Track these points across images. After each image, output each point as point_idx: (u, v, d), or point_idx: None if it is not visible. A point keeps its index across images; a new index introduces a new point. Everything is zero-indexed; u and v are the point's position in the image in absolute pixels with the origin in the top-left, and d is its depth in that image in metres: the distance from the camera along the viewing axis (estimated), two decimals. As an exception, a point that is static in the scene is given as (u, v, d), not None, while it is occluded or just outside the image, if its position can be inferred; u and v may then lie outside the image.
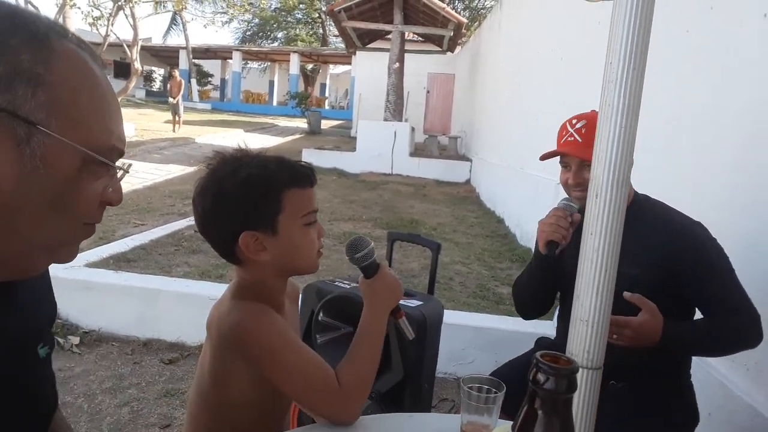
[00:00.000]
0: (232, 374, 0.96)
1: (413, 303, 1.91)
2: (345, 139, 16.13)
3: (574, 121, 1.54)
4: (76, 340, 2.94)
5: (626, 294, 1.26)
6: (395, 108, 12.40)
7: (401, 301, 1.89)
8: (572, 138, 1.51)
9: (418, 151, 12.55)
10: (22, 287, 0.75)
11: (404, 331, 1.16)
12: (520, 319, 1.89)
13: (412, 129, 11.75)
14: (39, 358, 0.78)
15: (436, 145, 12.86)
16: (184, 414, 2.40)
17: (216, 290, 2.98)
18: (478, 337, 3.03)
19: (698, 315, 1.44)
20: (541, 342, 1.82)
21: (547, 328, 2.80)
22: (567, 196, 1.55)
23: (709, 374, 1.95)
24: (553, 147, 1.56)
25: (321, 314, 1.90)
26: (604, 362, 1.00)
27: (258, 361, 0.93)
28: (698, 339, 1.36)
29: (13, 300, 0.72)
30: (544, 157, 1.59)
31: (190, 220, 5.41)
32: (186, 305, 3.02)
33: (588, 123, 1.48)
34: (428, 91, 18.51)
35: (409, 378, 1.83)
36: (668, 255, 1.38)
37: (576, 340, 0.99)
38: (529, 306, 1.75)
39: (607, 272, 0.94)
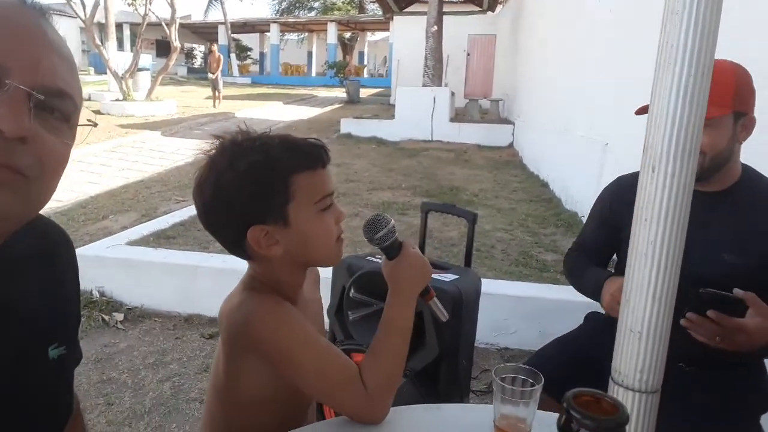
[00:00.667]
0: (246, 371, 0.88)
1: (448, 277, 1.81)
2: (384, 107, 15.92)
3: None
4: (120, 316, 3.00)
5: (737, 291, 1.09)
6: (434, 73, 12.07)
7: (435, 276, 1.83)
8: None
9: (458, 116, 12.24)
10: (21, 285, 0.70)
11: (437, 313, 1.05)
12: (566, 287, 1.75)
13: (452, 93, 11.43)
14: (49, 360, 0.73)
15: (478, 109, 12.48)
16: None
17: (253, 265, 2.96)
18: (521, 306, 2.91)
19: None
20: (592, 318, 1.69)
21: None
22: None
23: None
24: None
25: (352, 290, 1.84)
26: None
27: (272, 361, 0.85)
28: None
29: (7, 299, 0.67)
30: (640, 111, 1.32)
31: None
32: (224, 280, 2.97)
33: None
34: (468, 54, 17.94)
35: (445, 355, 1.75)
36: None
37: (624, 356, 0.78)
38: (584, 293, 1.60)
39: (667, 270, 0.72)
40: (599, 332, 1.60)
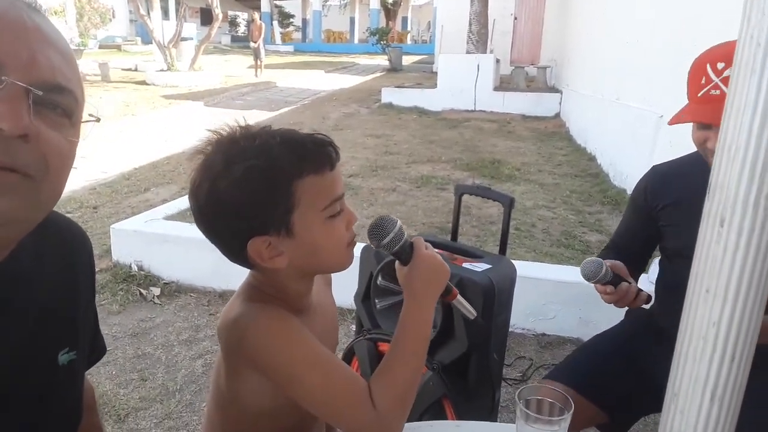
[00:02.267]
0: (246, 384, 0.82)
1: (480, 267, 1.71)
2: (427, 75, 15.58)
3: (720, 66, 1.07)
4: (157, 291, 3.05)
5: None
6: (479, 39, 11.64)
7: (467, 265, 1.73)
8: (717, 91, 1.07)
9: (503, 84, 11.83)
10: (34, 289, 0.68)
11: (463, 312, 0.96)
12: (609, 271, 1.62)
13: (497, 61, 11.03)
14: (59, 366, 0.71)
15: (524, 77, 12.02)
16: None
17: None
18: (561, 291, 2.79)
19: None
20: (632, 313, 1.57)
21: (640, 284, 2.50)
22: (588, 261, 1.22)
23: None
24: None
25: (380, 278, 1.77)
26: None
27: (272, 377, 0.78)
28: None
29: (9, 303, 0.65)
30: (675, 122, 1.17)
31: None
32: (257, 257, 3.03)
33: None
34: (516, 18, 17.25)
35: (476, 348, 1.67)
36: None
37: (684, 417, 0.55)
38: None
39: (734, 362, 0.51)
40: (643, 331, 1.48)
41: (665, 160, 1.48)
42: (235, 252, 0.80)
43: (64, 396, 0.74)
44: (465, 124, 8.85)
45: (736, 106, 0.48)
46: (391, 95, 10.80)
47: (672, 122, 1.18)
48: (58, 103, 0.59)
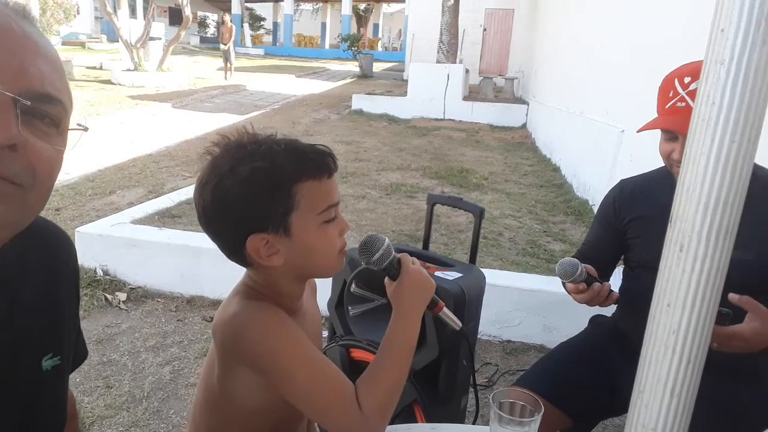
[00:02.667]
0: (240, 381, 0.86)
1: (451, 276, 1.76)
2: (397, 83, 15.71)
3: (687, 80, 1.17)
4: (123, 296, 3.00)
5: (732, 296, 1.06)
6: (449, 49, 11.84)
7: (438, 274, 1.78)
8: (683, 103, 1.17)
9: (472, 94, 12.04)
10: (17, 294, 0.68)
11: (448, 323, 1.01)
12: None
13: (467, 71, 11.23)
14: (42, 371, 0.72)
15: (492, 88, 12.26)
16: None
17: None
18: (527, 299, 2.87)
19: None
20: (596, 321, 1.64)
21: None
22: (564, 261, 1.30)
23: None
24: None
25: (353, 285, 1.80)
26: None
27: (266, 374, 0.82)
28: None
29: (1, 308, 0.66)
30: (643, 129, 1.27)
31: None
32: (227, 263, 3.00)
33: None
34: (485, 29, 17.59)
35: (446, 354, 1.72)
36: None
37: (648, 411, 0.67)
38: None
39: (690, 364, 0.63)
40: (606, 339, 1.55)
41: (626, 173, 1.56)
42: (235, 248, 0.84)
43: (49, 401, 0.74)
44: (434, 133, 8.97)
45: (693, 157, 0.59)
46: (361, 102, 10.86)
47: (640, 130, 1.26)
48: (46, 112, 0.59)
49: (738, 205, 0.58)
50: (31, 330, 0.70)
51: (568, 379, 1.46)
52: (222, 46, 15.26)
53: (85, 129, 0.68)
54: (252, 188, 0.80)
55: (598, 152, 5.02)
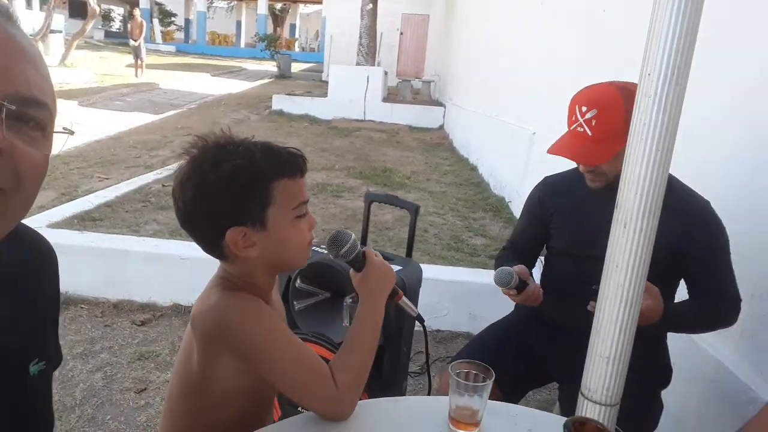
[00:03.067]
0: (220, 368, 0.92)
1: (393, 268, 1.88)
2: (316, 84, 15.70)
3: (584, 108, 1.33)
4: (43, 303, 2.86)
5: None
6: (368, 52, 12.03)
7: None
8: (582, 129, 1.33)
9: (391, 95, 12.29)
10: (2, 300, 0.69)
11: (407, 310, 1.12)
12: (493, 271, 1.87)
13: (385, 73, 11.47)
14: (30, 377, 0.72)
15: (410, 90, 12.60)
16: (160, 377, 2.39)
17: (187, 249, 2.91)
18: (453, 290, 3.05)
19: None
20: (522, 306, 1.82)
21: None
22: (500, 270, 1.47)
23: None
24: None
25: (298, 281, 1.87)
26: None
27: (247, 358, 0.89)
28: (691, 321, 1.39)
29: None
30: (551, 153, 1.41)
31: (158, 174, 5.25)
32: (156, 265, 2.95)
33: (600, 112, 1.30)
34: (402, 33, 17.99)
35: (390, 342, 1.83)
36: (686, 236, 1.34)
37: (594, 376, 0.95)
38: None
39: (632, 308, 0.89)
40: (529, 319, 1.73)
41: (537, 172, 1.75)
42: (213, 241, 0.90)
43: (38, 406, 0.75)
44: (356, 133, 9.10)
45: (631, 160, 0.84)
46: (281, 102, 10.79)
47: (549, 152, 1.42)
48: (32, 116, 0.58)
49: (660, 194, 0.83)
50: (18, 336, 0.70)
51: (497, 355, 1.62)
52: (132, 42, 14.52)
53: (71, 132, 0.67)
54: (233, 183, 0.87)
55: (512, 153, 5.36)
